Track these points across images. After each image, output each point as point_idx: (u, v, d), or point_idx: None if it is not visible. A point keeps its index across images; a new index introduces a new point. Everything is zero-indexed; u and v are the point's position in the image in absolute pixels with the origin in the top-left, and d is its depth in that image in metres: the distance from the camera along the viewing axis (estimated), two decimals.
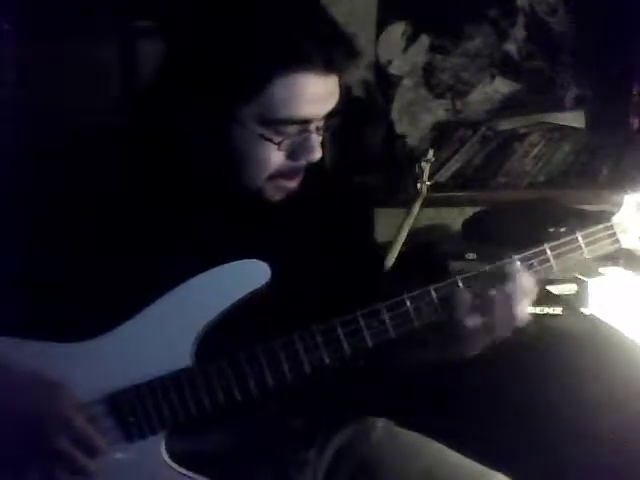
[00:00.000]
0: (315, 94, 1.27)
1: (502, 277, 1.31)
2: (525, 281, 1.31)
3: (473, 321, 1.30)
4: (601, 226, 1.38)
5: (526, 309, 1.32)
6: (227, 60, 1.25)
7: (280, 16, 1.27)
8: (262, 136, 1.28)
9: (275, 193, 1.34)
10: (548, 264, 1.35)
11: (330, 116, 1.32)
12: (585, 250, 1.36)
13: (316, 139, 1.31)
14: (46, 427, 1.22)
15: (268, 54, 1.24)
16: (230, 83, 1.26)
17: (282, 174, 1.32)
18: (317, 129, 1.31)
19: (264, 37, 1.25)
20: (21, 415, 1.22)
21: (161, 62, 1.35)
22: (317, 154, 1.32)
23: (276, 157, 1.30)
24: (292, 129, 1.29)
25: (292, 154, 1.31)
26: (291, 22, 1.27)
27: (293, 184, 1.34)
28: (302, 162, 1.32)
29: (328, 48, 1.26)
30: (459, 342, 1.34)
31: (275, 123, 1.27)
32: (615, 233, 1.38)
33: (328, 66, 1.27)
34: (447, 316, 1.31)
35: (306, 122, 1.29)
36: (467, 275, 1.33)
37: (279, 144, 1.28)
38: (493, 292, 1.30)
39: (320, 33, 1.28)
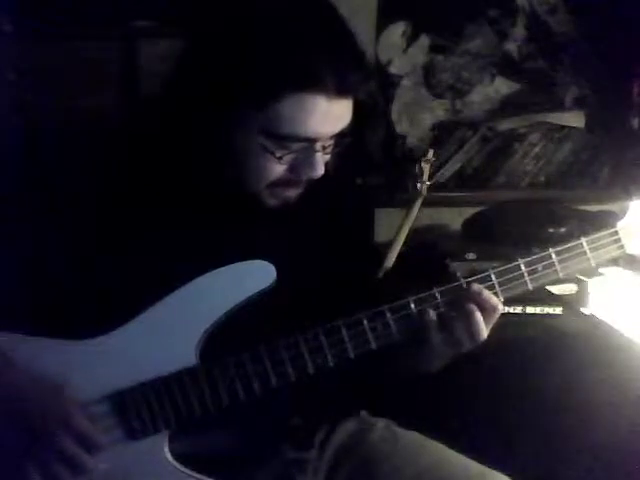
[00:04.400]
0: (324, 116, 1.26)
1: (463, 295, 1.31)
2: (487, 300, 1.31)
3: (436, 338, 1.31)
4: (606, 232, 1.37)
5: (485, 328, 1.31)
6: (240, 70, 1.24)
7: (299, 35, 1.25)
8: (265, 148, 1.27)
9: (272, 200, 1.34)
10: (553, 269, 1.35)
11: (340, 136, 1.32)
12: (590, 255, 1.36)
13: (320, 158, 1.30)
14: (46, 425, 1.22)
15: (281, 71, 1.23)
16: (240, 93, 1.25)
17: (282, 184, 1.32)
18: (323, 148, 1.31)
19: (280, 53, 1.23)
20: (21, 412, 1.23)
21: (177, 63, 1.34)
22: (319, 172, 1.31)
23: (276, 169, 1.29)
24: (296, 146, 1.28)
25: (293, 168, 1.30)
26: (309, 42, 1.25)
27: (292, 194, 1.34)
28: (302, 177, 1.32)
29: (343, 73, 1.25)
30: (425, 357, 1.35)
31: (279, 138, 1.26)
32: (620, 239, 1.37)
33: (341, 90, 1.25)
34: (412, 334, 1.31)
35: (312, 141, 1.28)
36: (471, 279, 1.33)
37: (280, 158, 1.28)
38: (453, 313, 1.30)
39: (337, 57, 1.25)
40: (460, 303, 1.31)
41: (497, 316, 1.33)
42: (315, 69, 1.23)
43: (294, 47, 1.24)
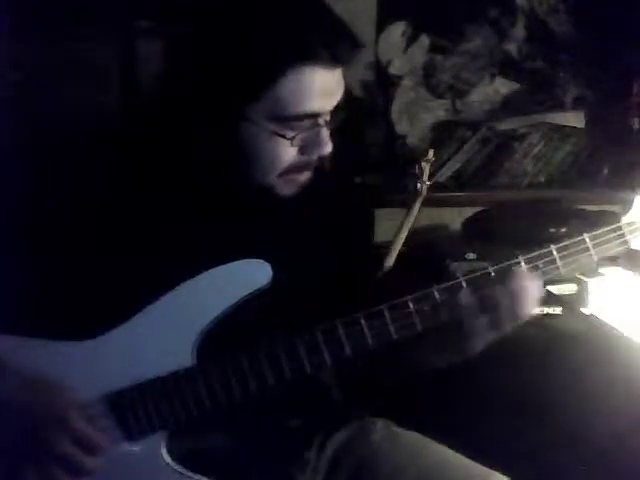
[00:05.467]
0: (323, 87, 1.29)
1: (507, 278, 1.30)
2: (530, 282, 1.31)
3: (477, 321, 1.30)
4: (609, 227, 1.36)
5: (529, 309, 1.31)
6: (236, 59, 1.26)
7: (286, 14, 1.29)
8: (275, 132, 1.29)
9: (286, 188, 1.34)
10: (554, 265, 1.34)
11: (335, 110, 1.34)
12: (593, 252, 1.35)
13: (326, 133, 1.33)
14: (46, 427, 1.22)
15: (276, 52, 1.26)
16: (239, 82, 1.27)
17: (294, 169, 1.33)
18: (326, 123, 1.33)
19: (271, 35, 1.26)
20: (20, 415, 1.22)
21: (168, 63, 1.35)
22: (328, 148, 1.33)
23: (289, 153, 1.31)
24: (304, 124, 1.30)
25: (304, 149, 1.32)
26: (297, 19, 1.29)
27: (304, 178, 1.35)
28: (314, 156, 1.33)
29: (333, 42, 1.29)
30: (461, 342, 1.33)
31: (287, 119, 1.28)
32: (624, 234, 1.35)
33: (334, 59, 1.29)
34: (450, 317, 1.31)
35: (316, 116, 1.30)
36: (471, 276, 1.32)
37: (292, 139, 1.30)
38: (498, 293, 1.29)
39: (325, 28, 1.30)
40: (508, 282, 1.30)
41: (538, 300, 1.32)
42: (309, 42, 1.27)
43: (285, 27, 1.28)
